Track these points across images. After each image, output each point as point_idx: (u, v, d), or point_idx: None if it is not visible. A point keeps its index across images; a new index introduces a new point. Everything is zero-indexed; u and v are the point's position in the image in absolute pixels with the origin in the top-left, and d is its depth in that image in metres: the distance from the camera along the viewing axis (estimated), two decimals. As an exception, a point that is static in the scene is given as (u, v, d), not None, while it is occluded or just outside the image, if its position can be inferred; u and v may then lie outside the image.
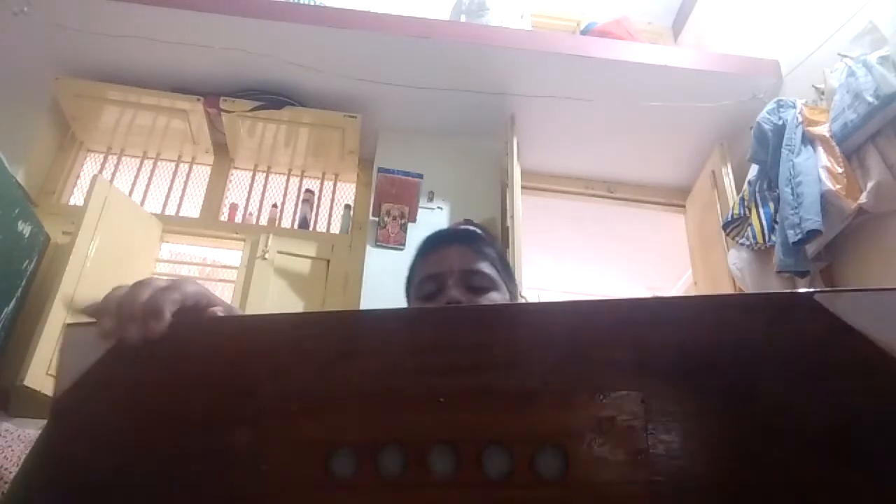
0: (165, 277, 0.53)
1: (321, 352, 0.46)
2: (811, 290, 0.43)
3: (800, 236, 2.05)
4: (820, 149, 2.18)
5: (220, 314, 0.51)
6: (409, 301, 0.97)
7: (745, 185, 2.58)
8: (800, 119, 2.29)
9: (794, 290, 0.45)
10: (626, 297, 0.45)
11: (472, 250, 0.92)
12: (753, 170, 2.54)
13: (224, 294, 2.78)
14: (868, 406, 0.39)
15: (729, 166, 2.88)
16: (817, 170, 2.13)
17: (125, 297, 0.47)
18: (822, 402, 0.40)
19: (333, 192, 3.25)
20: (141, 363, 0.46)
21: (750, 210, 2.48)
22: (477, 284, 0.88)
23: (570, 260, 4.37)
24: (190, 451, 0.44)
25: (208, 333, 0.49)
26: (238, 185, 3.23)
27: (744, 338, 0.42)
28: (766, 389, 0.41)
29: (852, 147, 2.13)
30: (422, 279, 0.91)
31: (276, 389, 0.44)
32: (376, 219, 2.87)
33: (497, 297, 0.89)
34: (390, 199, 2.91)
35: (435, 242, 0.95)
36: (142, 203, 3.01)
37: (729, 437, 0.40)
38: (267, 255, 2.78)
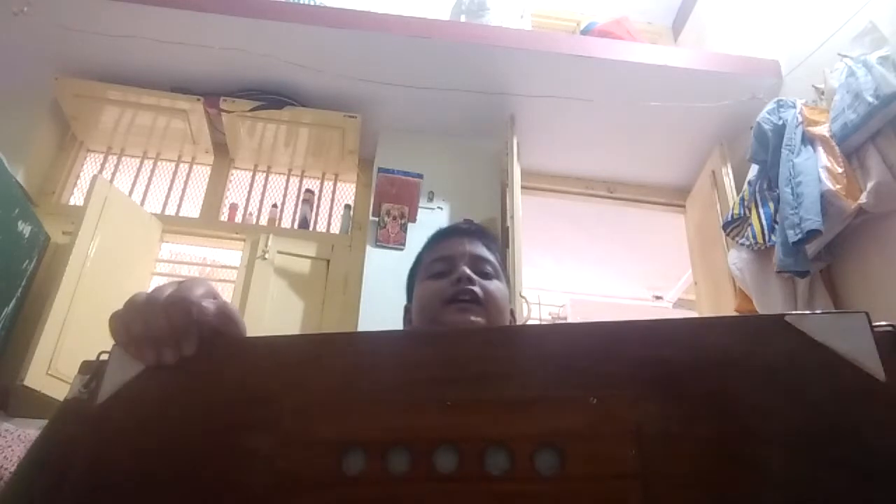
0: (170, 280, 0.56)
1: (340, 367, 0.51)
2: (782, 313, 0.48)
3: (800, 236, 2.05)
4: (820, 149, 2.18)
5: (230, 309, 0.55)
6: (412, 289, 1.01)
7: (745, 185, 2.58)
8: (800, 119, 2.29)
9: (767, 314, 0.53)
10: (617, 320, 0.50)
11: (481, 242, 1.01)
12: (753, 170, 2.54)
13: (224, 294, 2.77)
14: (836, 408, 0.44)
15: (729, 166, 2.88)
16: (817, 170, 2.13)
17: (153, 323, 0.51)
18: (796, 406, 0.44)
19: (333, 192, 3.25)
20: (174, 377, 0.51)
21: (750, 210, 2.48)
22: (485, 270, 0.96)
23: (570, 260, 4.37)
24: (214, 451, 0.47)
25: (240, 353, 0.54)
26: (238, 185, 3.23)
27: (725, 352, 0.47)
28: (746, 396, 0.45)
29: (852, 147, 2.13)
30: (433, 260, 0.98)
31: (297, 397, 0.49)
32: (376, 219, 2.87)
33: (500, 286, 0.96)
34: (390, 199, 2.91)
35: (448, 232, 1.05)
36: (142, 203, 3.01)
37: (712, 437, 0.44)
38: (267, 256, 2.78)
